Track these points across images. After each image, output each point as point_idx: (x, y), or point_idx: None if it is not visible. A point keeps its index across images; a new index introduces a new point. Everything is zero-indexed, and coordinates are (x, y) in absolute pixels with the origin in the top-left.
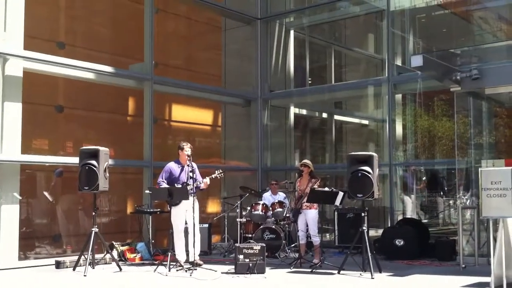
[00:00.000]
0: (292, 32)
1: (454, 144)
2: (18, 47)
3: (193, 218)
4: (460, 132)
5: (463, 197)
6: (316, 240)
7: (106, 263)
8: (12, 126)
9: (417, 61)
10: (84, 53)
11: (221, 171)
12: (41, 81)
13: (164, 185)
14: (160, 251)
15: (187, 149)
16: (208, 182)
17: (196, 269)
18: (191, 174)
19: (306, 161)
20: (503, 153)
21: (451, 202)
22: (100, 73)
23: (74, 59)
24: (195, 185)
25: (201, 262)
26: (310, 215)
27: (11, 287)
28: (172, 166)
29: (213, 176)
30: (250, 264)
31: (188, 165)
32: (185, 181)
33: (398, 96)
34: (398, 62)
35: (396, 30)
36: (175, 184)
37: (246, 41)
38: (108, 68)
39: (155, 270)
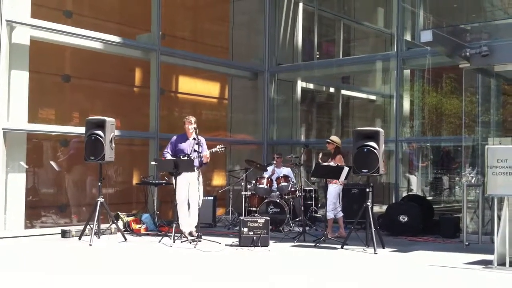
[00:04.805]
0: (301, 5)
1: (461, 122)
2: (25, 15)
3: (198, 191)
4: (467, 110)
5: (468, 174)
6: (328, 214)
7: (111, 233)
8: (19, 95)
9: (426, 36)
10: (91, 22)
11: (222, 146)
12: (48, 50)
13: (169, 156)
14: (165, 223)
15: (187, 123)
16: (208, 156)
17: (200, 241)
18: (196, 147)
19: (331, 137)
20: (510, 131)
21: (456, 179)
22: (107, 43)
23: (81, 28)
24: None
25: (195, 233)
26: (328, 190)
27: (18, 254)
28: (178, 138)
29: (213, 150)
30: (254, 237)
31: (194, 139)
32: (188, 153)
33: (407, 72)
34: (408, 37)
35: (406, 4)
36: (179, 156)
37: (254, 13)
38: (115, 38)
39: (159, 241)
